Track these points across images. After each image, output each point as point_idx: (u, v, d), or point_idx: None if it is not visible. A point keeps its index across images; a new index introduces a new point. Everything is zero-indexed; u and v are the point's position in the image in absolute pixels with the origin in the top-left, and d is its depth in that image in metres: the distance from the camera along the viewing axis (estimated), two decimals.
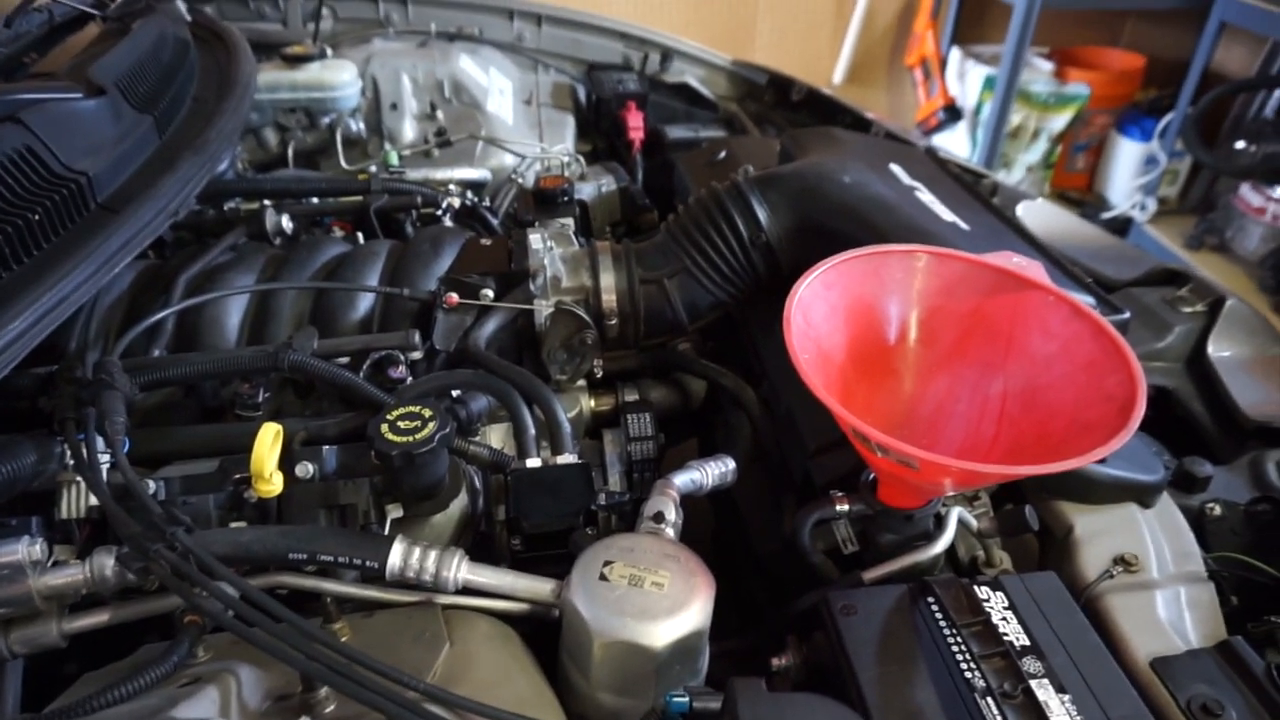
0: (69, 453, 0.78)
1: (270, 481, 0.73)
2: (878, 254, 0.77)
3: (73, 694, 0.64)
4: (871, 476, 0.79)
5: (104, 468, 0.76)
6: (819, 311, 0.73)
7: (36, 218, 0.81)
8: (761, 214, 1.01)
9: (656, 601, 0.65)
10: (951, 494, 0.81)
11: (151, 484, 0.78)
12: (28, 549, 0.63)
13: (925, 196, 1.08)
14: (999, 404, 0.74)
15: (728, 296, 1.04)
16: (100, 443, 0.77)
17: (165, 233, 1.22)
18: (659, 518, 0.75)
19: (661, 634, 0.63)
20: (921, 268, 0.77)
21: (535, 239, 1.08)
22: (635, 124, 1.72)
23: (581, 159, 1.61)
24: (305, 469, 0.81)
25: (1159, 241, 3.54)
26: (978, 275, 0.76)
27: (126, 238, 0.85)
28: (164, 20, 1.28)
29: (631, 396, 1.07)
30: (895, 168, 1.16)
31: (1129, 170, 3.80)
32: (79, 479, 0.79)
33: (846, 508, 0.79)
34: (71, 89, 0.95)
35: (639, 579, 0.66)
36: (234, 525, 0.78)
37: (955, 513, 0.79)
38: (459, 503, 0.87)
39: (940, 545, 0.77)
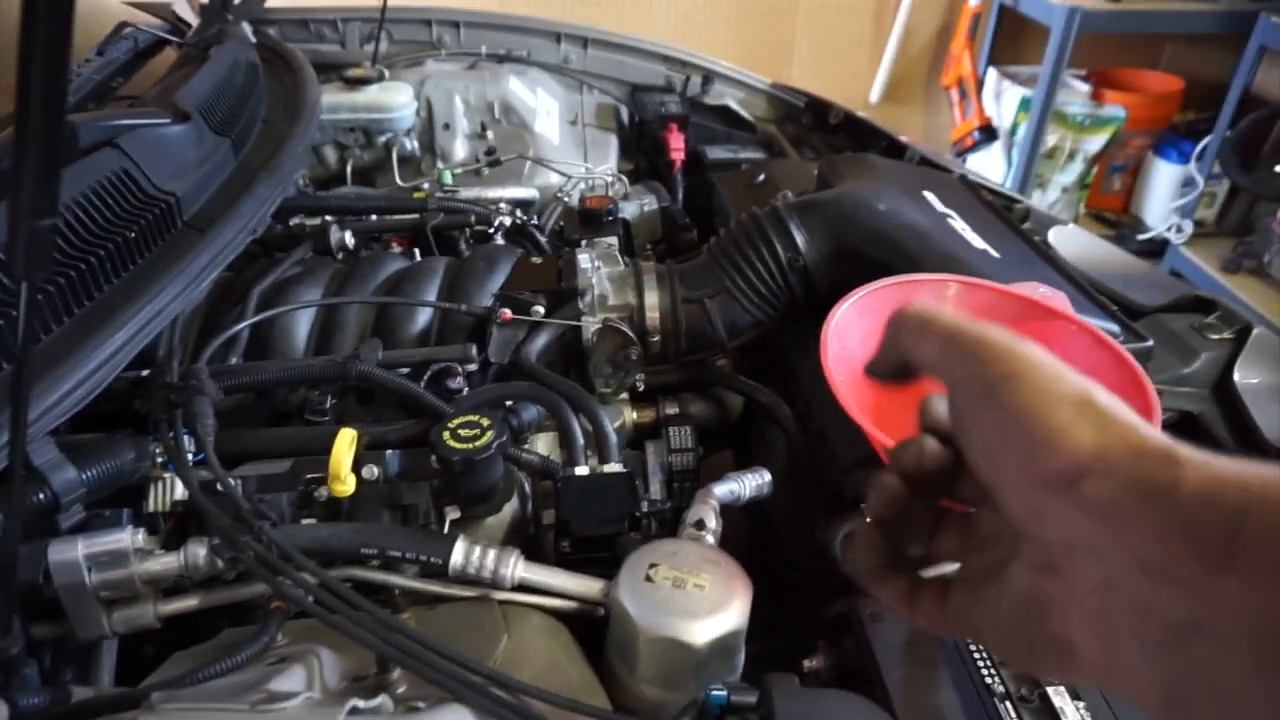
0: (158, 451, 0.86)
1: (345, 482, 0.80)
2: (910, 282, 0.82)
3: (166, 671, 0.70)
4: None
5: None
6: (853, 336, 0.78)
7: (133, 235, 0.89)
8: (799, 239, 1.07)
9: (698, 602, 0.70)
10: None
11: (230, 482, 0.85)
12: (131, 537, 0.70)
13: (957, 224, 1.12)
14: None
15: (766, 317, 1.09)
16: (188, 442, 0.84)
17: None
18: (700, 525, 0.81)
19: (702, 632, 0.68)
20: (952, 296, 0.82)
21: (584, 259, 1.14)
22: (676, 145, 1.77)
23: (624, 179, 1.67)
24: (371, 471, 0.87)
25: (1195, 264, 3.53)
26: (1005, 304, 0.81)
27: (213, 255, 0.93)
28: (237, 46, 1.36)
29: (672, 410, 1.12)
30: (929, 195, 1.20)
31: (1166, 192, 3.79)
32: (166, 475, 0.86)
33: None
34: (160, 115, 1.03)
35: (682, 581, 0.71)
36: (304, 522, 0.85)
37: None
38: (510, 506, 0.93)
39: None
